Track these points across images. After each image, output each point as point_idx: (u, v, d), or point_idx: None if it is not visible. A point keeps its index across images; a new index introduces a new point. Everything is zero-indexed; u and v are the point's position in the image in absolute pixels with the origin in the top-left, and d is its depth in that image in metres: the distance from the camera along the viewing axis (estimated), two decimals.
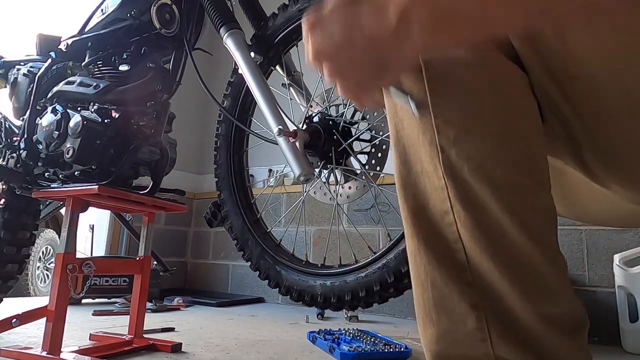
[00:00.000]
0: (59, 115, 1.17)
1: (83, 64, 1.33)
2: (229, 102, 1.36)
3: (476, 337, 0.44)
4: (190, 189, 3.03)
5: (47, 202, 1.56)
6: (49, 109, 1.22)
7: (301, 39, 1.25)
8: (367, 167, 1.13)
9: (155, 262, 1.44)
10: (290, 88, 1.32)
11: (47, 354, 1.04)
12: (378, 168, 1.12)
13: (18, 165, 1.31)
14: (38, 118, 1.25)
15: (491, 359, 0.44)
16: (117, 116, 1.17)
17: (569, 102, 0.46)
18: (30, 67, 1.46)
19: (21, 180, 1.30)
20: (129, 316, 1.31)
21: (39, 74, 1.31)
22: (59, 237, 1.53)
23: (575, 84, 0.44)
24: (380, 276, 1.04)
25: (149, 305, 1.94)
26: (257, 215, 1.34)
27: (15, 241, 1.43)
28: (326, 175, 1.21)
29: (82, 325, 1.64)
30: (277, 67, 1.31)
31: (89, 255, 2.67)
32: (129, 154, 1.18)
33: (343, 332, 1.43)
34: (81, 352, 1.13)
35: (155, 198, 1.25)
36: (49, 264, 3.72)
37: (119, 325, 1.63)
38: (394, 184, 0.52)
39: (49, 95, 1.28)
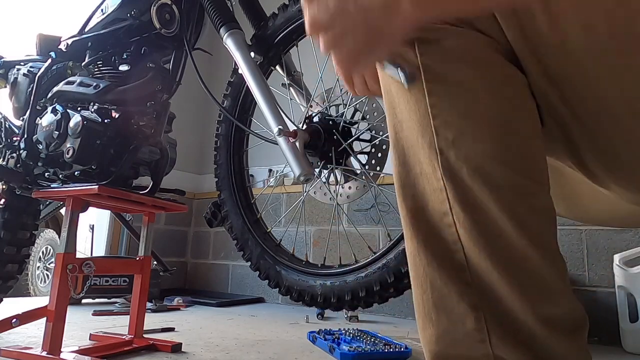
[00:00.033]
0: (59, 115, 1.18)
1: (83, 64, 1.33)
2: (229, 102, 1.36)
3: (475, 337, 0.44)
4: (190, 189, 3.03)
5: (47, 202, 1.56)
6: (49, 109, 1.22)
7: (301, 39, 1.25)
8: (367, 167, 1.13)
9: (155, 262, 1.44)
10: (290, 88, 1.32)
11: (47, 354, 1.04)
12: (378, 168, 1.12)
13: (18, 165, 1.31)
14: (38, 118, 1.25)
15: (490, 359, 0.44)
16: (117, 116, 1.17)
17: (567, 105, 0.46)
18: (30, 67, 1.46)
19: (21, 180, 1.30)
20: (129, 316, 1.31)
21: (39, 74, 1.31)
22: (59, 237, 1.53)
23: (574, 85, 0.44)
24: (380, 276, 1.04)
25: (149, 305, 1.94)
26: (257, 215, 1.34)
27: (15, 241, 1.43)
28: (326, 175, 1.21)
29: (82, 325, 1.64)
30: (277, 67, 1.31)
31: (89, 255, 2.67)
32: (129, 154, 1.18)
33: (343, 332, 1.43)
34: (81, 352, 1.13)
35: (155, 198, 1.25)
36: (49, 264, 3.72)
37: (119, 325, 1.63)
38: (394, 184, 0.52)
39: (49, 95, 1.28)
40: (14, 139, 1.40)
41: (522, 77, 0.46)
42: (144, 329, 1.32)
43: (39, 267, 3.65)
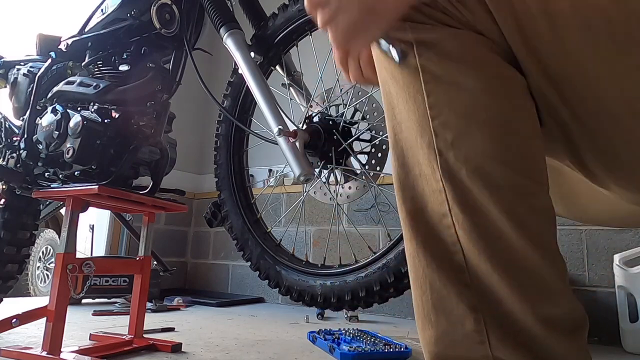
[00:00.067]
0: (59, 115, 1.18)
1: (83, 64, 1.33)
2: (229, 102, 1.36)
3: (474, 339, 0.44)
4: (190, 189, 3.03)
5: (47, 202, 1.56)
6: (49, 109, 1.22)
7: (301, 39, 1.25)
8: (367, 167, 1.13)
9: (155, 262, 1.44)
10: (290, 88, 1.32)
11: (47, 354, 1.04)
12: (378, 168, 1.12)
13: (18, 165, 1.31)
14: (38, 118, 1.25)
15: None
16: (117, 116, 1.17)
17: (566, 105, 0.46)
18: (30, 67, 1.46)
19: (21, 180, 1.30)
20: (129, 316, 1.31)
21: (39, 74, 1.31)
22: (59, 237, 1.53)
23: (573, 85, 0.44)
24: (380, 276, 1.04)
25: (149, 305, 1.94)
26: (257, 215, 1.34)
27: (15, 241, 1.43)
28: (326, 175, 1.21)
29: (82, 325, 1.64)
30: (277, 67, 1.31)
31: (89, 255, 2.67)
32: (129, 154, 1.18)
33: (343, 332, 1.43)
34: (81, 352, 1.13)
35: (155, 198, 1.25)
36: (49, 264, 3.72)
37: (119, 325, 1.63)
38: (393, 184, 0.52)
39: (49, 95, 1.28)
40: (14, 139, 1.40)
41: (520, 78, 0.46)
42: (144, 329, 1.32)
43: (39, 267, 3.65)
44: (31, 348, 1.11)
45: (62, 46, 1.40)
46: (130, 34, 1.27)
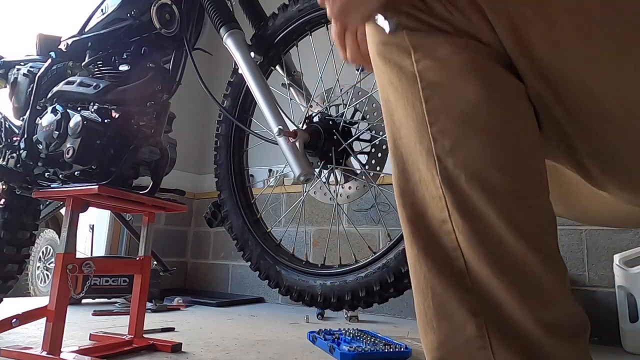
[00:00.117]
0: (59, 115, 1.18)
1: (83, 64, 1.33)
2: (229, 102, 1.36)
3: (476, 344, 0.44)
4: (190, 189, 3.04)
5: (47, 202, 1.56)
6: (49, 109, 1.22)
7: (301, 39, 1.25)
8: (367, 167, 1.13)
9: (155, 262, 1.44)
10: (290, 88, 1.32)
11: (47, 354, 1.05)
12: (378, 168, 1.12)
13: (18, 165, 1.31)
14: (38, 118, 1.25)
15: None
16: (117, 116, 1.17)
17: (561, 105, 0.46)
18: (30, 67, 1.46)
19: (21, 180, 1.30)
20: (129, 316, 1.31)
21: (39, 74, 1.31)
22: (59, 237, 1.54)
23: (567, 85, 0.44)
24: (380, 276, 1.04)
25: (149, 305, 1.94)
26: (257, 215, 1.34)
27: (15, 241, 1.43)
28: (326, 175, 1.21)
29: (82, 325, 1.64)
30: (277, 67, 1.31)
31: (89, 255, 2.67)
32: (129, 154, 1.18)
33: (343, 332, 1.43)
34: (81, 352, 1.13)
35: (155, 198, 1.25)
36: (49, 264, 3.72)
37: (119, 325, 1.63)
38: (393, 184, 0.52)
39: (49, 95, 1.28)
40: (14, 139, 1.40)
41: (518, 84, 0.46)
42: (144, 329, 1.32)
43: (39, 267, 3.65)
44: (31, 348, 1.11)
45: (62, 46, 1.40)
46: (130, 34, 1.27)
